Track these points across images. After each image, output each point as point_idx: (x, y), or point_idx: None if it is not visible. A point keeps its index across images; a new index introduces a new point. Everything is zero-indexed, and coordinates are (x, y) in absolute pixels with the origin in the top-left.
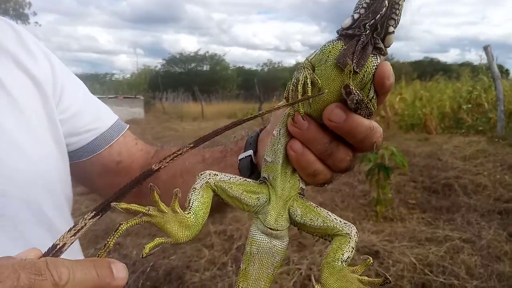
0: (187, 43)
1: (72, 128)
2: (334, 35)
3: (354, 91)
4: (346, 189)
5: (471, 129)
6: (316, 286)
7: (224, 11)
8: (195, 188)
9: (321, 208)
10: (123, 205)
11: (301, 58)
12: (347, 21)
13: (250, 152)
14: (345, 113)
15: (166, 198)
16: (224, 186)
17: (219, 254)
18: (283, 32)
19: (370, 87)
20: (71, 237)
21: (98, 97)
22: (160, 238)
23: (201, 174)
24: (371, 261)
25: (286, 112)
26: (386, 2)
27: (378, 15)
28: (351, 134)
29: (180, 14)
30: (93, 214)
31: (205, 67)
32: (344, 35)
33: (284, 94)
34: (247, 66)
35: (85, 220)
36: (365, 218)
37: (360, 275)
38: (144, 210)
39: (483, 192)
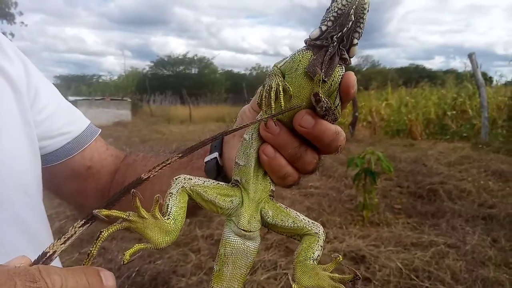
0: (176, 46)
1: (46, 131)
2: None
3: (323, 99)
4: (333, 193)
5: (456, 135)
6: (293, 285)
7: (213, 15)
8: (171, 193)
9: (290, 209)
10: (104, 211)
11: None
12: (315, 32)
13: (216, 154)
14: (314, 119)
15: (131, 203)
16: (199, 190)
17: (206, 258)
18: (272, 37)
19: (336, 95)
20: (61, 245)
21: (85, 99)
22: (140, 244)
23: (176, 179)
24: (341, 259)
25: (257, 117)
26: (352, 16)
27: (345, 28)
28: (319, 139)
29: (169, 16)
30: (82, 222)
31: (194, 70)
32: (313, 45)
33: (256, 100)
34: (235, 70)
35: (75, 228)
36: (352, 222)
37: (330, 272)
38: (124, 216)
39: (467, 197)
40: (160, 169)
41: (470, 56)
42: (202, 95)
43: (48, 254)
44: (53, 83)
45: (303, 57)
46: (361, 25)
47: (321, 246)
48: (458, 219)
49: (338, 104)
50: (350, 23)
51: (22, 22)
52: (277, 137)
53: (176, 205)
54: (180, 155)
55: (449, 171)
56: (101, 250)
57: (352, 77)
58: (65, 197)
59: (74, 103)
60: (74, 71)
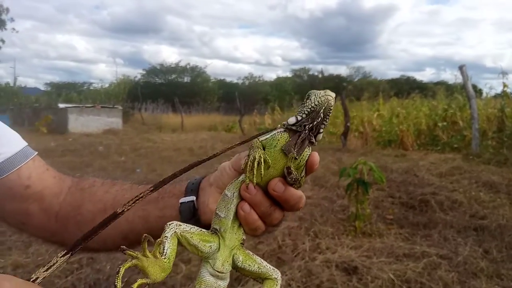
0: (168, 54)
1: None
2: (314, 51)
3: (294, 172)
4: (325, 203)
5: (447, 146)
6: None
7: (206, 24)
8: (166, 237)
9: (256, 256)
10: (129, 251)
11: (281, 73)
12: (292, 120)
13: (193, 198)
14: (284, 186)
15: (89, 228)
16: (187, 235)
17: (196, 269)
18: (264, 47)
19: (303, 169)
20: (43, 272)
21: (75, 106)
22: (142, 279)
23: (169, 224)
24: None
25: (239, 179)
26: (322, 114)
27: (315, 122)
28: (286, 201)
29: (161, 25)
30: (64, 252)
31: (186, 79)
32: (289, 129)
33: (242, 166)
34: (228, 79)
35: (57, 257)
36: (344, 233)
37: None
38: (134, 255)
39: (459, 208)
40: (133, 203)
41: (461, 68)
42: (194, 104)
43: (31, 279)
44: (43, 90)
45: (281, 137)
46: (327, 120)
47: None
48: (450, 230)
49: (303, 176)
50: (320, 118)
51: (13, 29)
52: (254, 197)
53: (170, 248)
54: (151, 188)
55: (441, 182)
56: (89, 260)
57: (316, 157)
58: (4, 217)
59: (64, 110)
60: (65, 78)
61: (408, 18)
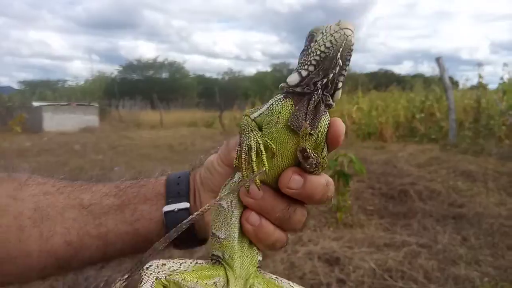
0: (146, 50)
1: None
2: (294, 45)
3: (312, 154)
4: None
5: (425, 137)
6: None
7: (184, 19)
8: None
9: (281, 279)
10: None
11: (261, 68)
12: (294, 78)
13: (186, 204)
14: (303, 178)
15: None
16: (176, 278)
17: None
18: (244, 41)
19: (324, 145)
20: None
21: (50, 104)
22: None
23: (147, 268)
24: None
25: (234, 179)
26: (340, 60)
27: (331, 74)
28: (310, 197)
29: (138, 20)
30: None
31: (164, 75)
32: (292, 92)
33: (234, 162)
34: (207, 75)
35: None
36: (326, 224)
37: None
38: None
39: (437, 198)
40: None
41: (438, 59)
42: (173, 100)
43: None
44: (17, 89)
45: (282, 107)
46: (347, 68)
47: None
48: (429, 219)
49: (325, 155)
50: (337, 68)
51: None
52: (261, 202)
53: None
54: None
55: (419, 172)
56: None
57: (341, 125)
58: None
59: (39, 108)
60: (39, 76)
61: (386, 11)
